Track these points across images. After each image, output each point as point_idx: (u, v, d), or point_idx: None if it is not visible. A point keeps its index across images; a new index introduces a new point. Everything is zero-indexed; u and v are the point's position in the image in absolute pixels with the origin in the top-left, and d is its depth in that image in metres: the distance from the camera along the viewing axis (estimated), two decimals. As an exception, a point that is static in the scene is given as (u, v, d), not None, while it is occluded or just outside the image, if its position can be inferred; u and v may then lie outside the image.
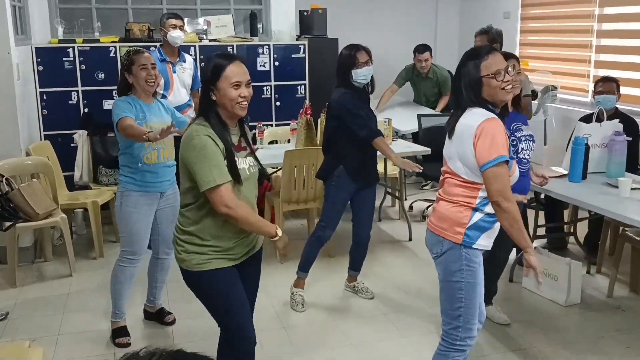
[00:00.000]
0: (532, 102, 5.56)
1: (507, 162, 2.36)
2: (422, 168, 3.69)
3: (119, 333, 3.53)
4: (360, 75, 3.66)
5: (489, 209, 2.45)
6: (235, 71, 2.39)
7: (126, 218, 3.38)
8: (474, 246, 2.47)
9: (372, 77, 3.76)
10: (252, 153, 2.55)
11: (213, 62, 2.44)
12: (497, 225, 2.51)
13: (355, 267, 4.13)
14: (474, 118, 2.41)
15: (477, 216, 2.46)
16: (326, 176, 3.89)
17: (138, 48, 3.43)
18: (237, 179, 2.39)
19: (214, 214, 2.41)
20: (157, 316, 3.75)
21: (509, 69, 2.45)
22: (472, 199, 2.46)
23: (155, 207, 3.44)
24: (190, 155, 2.36)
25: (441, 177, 2.62)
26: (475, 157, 2.37)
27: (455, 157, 2.48)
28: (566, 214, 4.91)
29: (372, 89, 3.82)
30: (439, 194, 2.61)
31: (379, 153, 3.86)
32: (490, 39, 5.66)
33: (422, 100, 6.76)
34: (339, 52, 3.87)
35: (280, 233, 2.49)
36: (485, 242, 2.51)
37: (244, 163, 2.46)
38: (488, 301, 3.63)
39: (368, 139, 3.66)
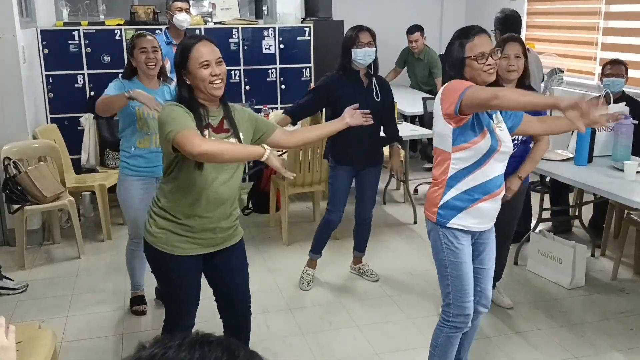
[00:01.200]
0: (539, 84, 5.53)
1: (471, 87, 2.33)
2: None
3: (135, 301, 3.72)
4: (359, 55, 3.63)
5: (462, 185, 2.46)
6: (202, 50, 2.35)
7: (124, 202, 3.48)
8: (448, 225, 2.50)
9: (375, 60, 3.73)
10: (236, 135, 2.46)
11: (180, 45, 2.45)
12: (481, 205, 2.49)
13: (359, 247, 4.16)
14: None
15: (450, 194, 2.48)
16: (326, 157, 3.97)
17: (142, 32, 3.48)
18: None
19: (185, 190, 2.40)
20: None
21: (494, 53, 2.44)
22: (444, 174, 2.48)
23: (154, 192, 3.46)
24: (159, 122, 2.34)
25: None
26: (447, 111, 2.39)
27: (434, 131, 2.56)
28: (571, 197, 4.91)
29: (374, 71, 3.79)
30: None
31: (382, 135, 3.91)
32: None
33: (415, 83, 6.83)
34: (344, 34, 3.87)
35: (268, 149, 2.31)
36: (464, 221, 2.49)
37: None
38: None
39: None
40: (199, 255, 2.50)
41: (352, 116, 2.73)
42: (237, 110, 2.54)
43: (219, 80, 2.36)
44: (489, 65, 2.41)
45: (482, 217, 2.53)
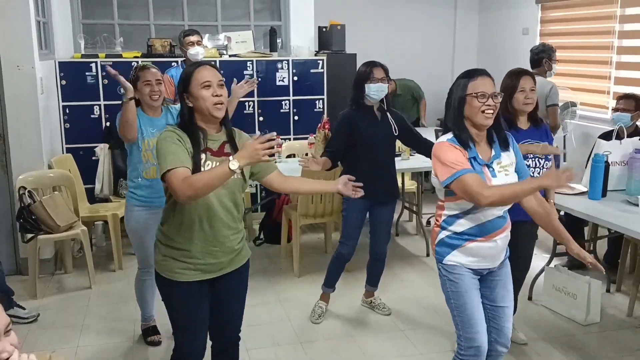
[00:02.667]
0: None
1: (467, 174, 2.39)
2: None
3: (148, 332, 3.72)
4: (372, 90, 3.66)
5: (454, 227, 2.53)
6: (204, 73, 2.41)
7: (132, 232, 3.51)
8: (444, 261, 2.57)
9: (387, 95, 3.76)
10: None
11: (183, 72, 2.51)
12: (474, 245, 2.51)
13: (372, 282, 4.13)
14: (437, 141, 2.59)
15: (443, 234, 2.57)
16: None
17: (145, 64, 3.52)
18: None
19: (183, 213, 2.41)
20: None
21: (495, 96, 2.46)
22: (439, 218, 2.60)
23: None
24: (157, 149, 2.38)
25: None
26: (438, 179, 2.50)
27: None
28: (586, 231, 4.86)
29: (387, 106, 3.81)
30: None
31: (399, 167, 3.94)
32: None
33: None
34: (357, 67, 3.91)
35: (235, 161, 2.20)
36: (460, 259, 2.53)
37: None
38: None
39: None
40: (203, 281, 2.49)
41: (345, 185, 2.69)
42: (242, 137, 2.57)
43: (220, 103, 2.41)
44: (488, 105, 2.43)
45: (478, 256, 2.54)
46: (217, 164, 2.36)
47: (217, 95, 2.39)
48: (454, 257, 2.54)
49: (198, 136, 2.41)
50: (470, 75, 2.51)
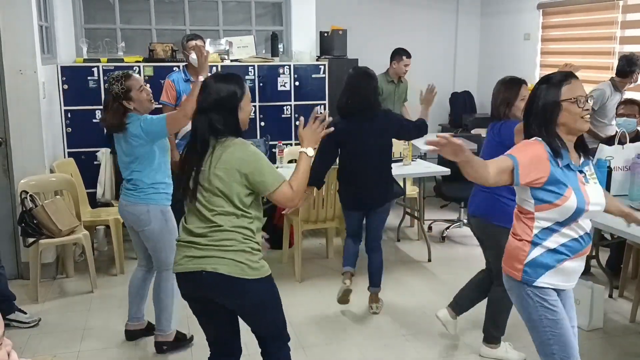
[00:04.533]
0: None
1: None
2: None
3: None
4: None
5: (549, 243, 2.32)
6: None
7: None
8: (535, 284, 2.33)
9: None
10: None
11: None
12: (568, 264, 2.34)
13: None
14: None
15: (537, 252, 2.33)
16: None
17: (126, 72, 3.39)
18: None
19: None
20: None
21: (587, 100, 2.28)
22: (529, 231, 2.34)
23: None
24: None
25: None
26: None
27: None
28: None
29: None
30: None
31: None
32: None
33: (391, 106, 6.65)
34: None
35: (310, 149, 2.72)
36: (553, 280, 2.34)
37: None
38: (496, 342, 3.51)
39: None
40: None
41: None
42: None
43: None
44: (586, 109, 2.27)
45: (569, 275, 2.38)
46: None
47: None
48: (548, 279, 2.32)
49: None
50: (560, 79, 2.31)
